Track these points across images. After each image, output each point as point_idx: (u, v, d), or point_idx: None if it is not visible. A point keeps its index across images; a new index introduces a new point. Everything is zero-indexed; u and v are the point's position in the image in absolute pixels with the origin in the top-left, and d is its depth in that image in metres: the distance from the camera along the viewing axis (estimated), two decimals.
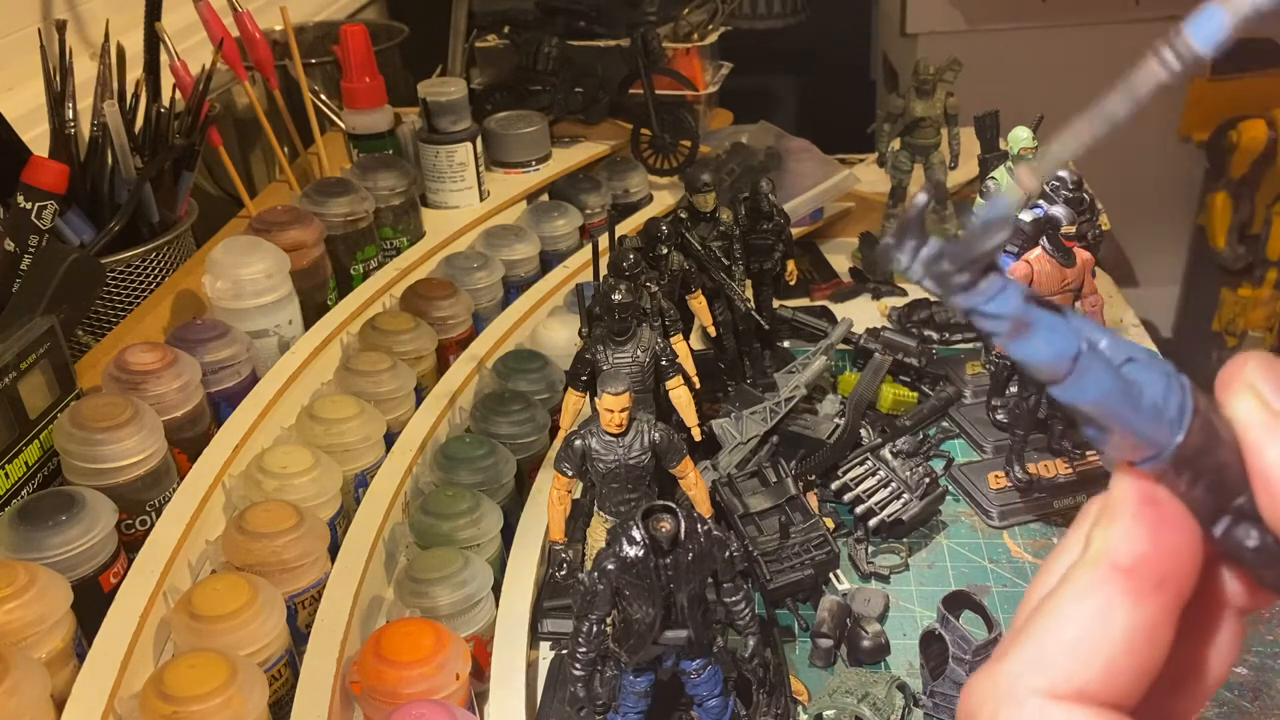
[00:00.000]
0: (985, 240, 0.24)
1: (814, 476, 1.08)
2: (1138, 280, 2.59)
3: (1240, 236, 2.41)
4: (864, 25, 2.74)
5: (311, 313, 1.16)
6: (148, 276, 1.22)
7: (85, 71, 1.24)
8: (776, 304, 1.31)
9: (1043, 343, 0.25)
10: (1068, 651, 0.25)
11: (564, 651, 0.84)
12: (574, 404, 0.95)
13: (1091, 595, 0.25)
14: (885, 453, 1.06)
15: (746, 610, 0.77)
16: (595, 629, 0.74)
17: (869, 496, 1.04)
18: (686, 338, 1.04)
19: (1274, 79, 2.36)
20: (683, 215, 1.15)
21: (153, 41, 1.31)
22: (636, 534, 0.70)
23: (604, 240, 1.05)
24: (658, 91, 1.49)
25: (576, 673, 0.76)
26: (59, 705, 0.71)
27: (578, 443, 0.84)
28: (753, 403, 1.10)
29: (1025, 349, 0.25)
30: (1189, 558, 0.26)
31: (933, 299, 1.39)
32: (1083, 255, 1.03)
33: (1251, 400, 0.25)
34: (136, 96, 1.27)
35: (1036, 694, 0.25)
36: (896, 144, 1.47)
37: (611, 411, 0.81)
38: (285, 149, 1.46)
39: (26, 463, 0.88)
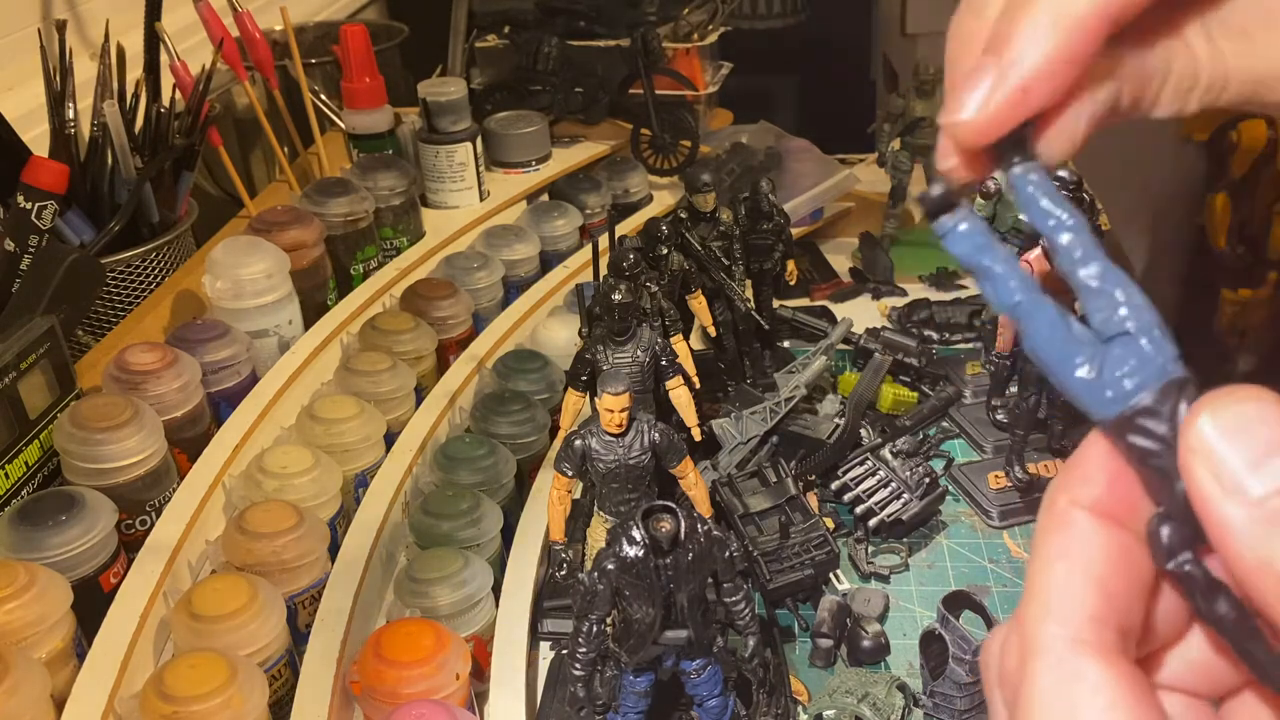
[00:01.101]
0: (934, 192, 0.27)
1: (814, 476, 1.08)
2: (1138, 280, 2.59)
3: (1240, 236, 2.41)
4: (864, 25, 2.74)
5: (311, 313, 1.17)
6: (148, 276, 1.22)
7: (85, 71, 1.24)
8: (776, 304, 1.31)
9: (989, 288, 0.27)
10: (1064, 586, 0.26)
11: (564, 651, 0.85)
12: (574, 404, 0.95)
13: (1063, 530, 0.26)
14: (885, 453, 1.06)
15: (746, 610, 0.77)
16: (595, 629, 0.74)
17: (869, 496, 1.04)
18: (686, 338, 1.04)
19: None
20: (683, 215, 1.15)
21: (153, 41, 1.31)
22: (636, 534, 0.70)
23: (604, 240, 1.05)
24: (658, 91, 1.49)
25: (576, 673, 0.76)
26: (59, 705, 0.71)
27: (578, 443, 0.84)
28: (753, 403, 1.09)
29: (981, 287, 0.27)
30: (1136, 505, 0.26)
31: (933, 299, 1.39)
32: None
33: (1199, 466, 0.24)
34: (136, 96, 1.27)
35: (1055, 639, 0.25)
36: (896, 144, 1.47)
37: (611, 411, 0.81)
38: (285, 149, 1.46)
39: (26, 463, 0.88)
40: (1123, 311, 0.25)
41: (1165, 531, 0.25)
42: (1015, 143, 0.28)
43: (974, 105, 0.28)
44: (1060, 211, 0.27)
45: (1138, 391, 0.25)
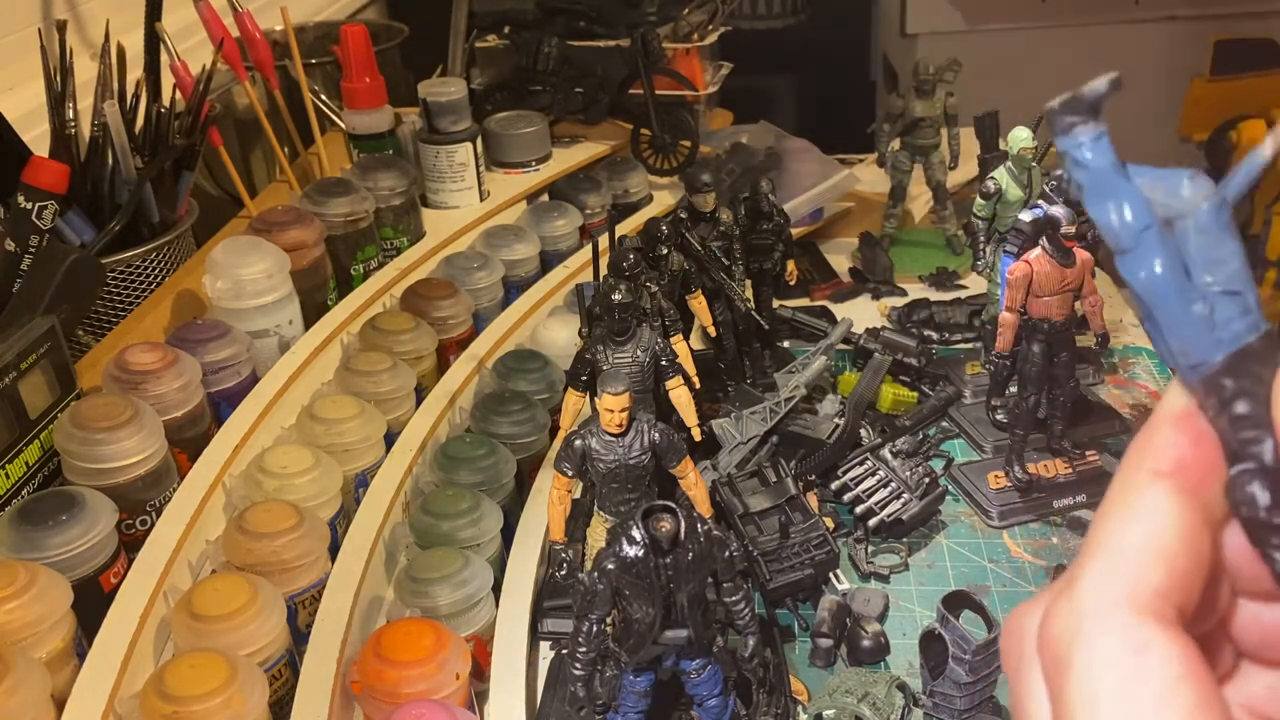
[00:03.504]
0: (1097, 90, 0.25)
1: (814, 476, 1.08)
2: None
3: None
4: (864, 25, 2.74)
5: (311, 313, 1.16)
6: (148, 276, 1.22)
7: (85, 71, 1.24)
8: (776, 304, 1.31)
9: (1113, 206, 0.26)
10: (1134, 556, 0.25)
11: (564, 651, 0.84)
12: (574, 404, 0.95)
13: (1139, 499, 0.26)
14: (885, 453, 1.06)
15: (746, 610, 0.77)
16: (595, 629, 0.74)
17: (869, 496, 1.04)
18: (686, 338, 1.04)
19: (1274, 79, 2.37)
20: (683, 215, 1.15)
21: (153, 41, 1.31)
22: (636, 534, 0.70)
23: (604, 240, 1.05)
24: (658, 91, 1.49)
25: (576, 672, 0.76)
26: (59, 705, 0.71)
27: (578, 443, 0.84)
28: (753, 403, 1.09)
29: (1097, 208, 0.26)
30: (1212, 472, 0.26)
31: (932, 299, 1.39)
32: (1082, 255, 1.03)
33: None
34: (137, 96, 1.27)
35: (1118, 607, 0.24)
36: (896, 144, 1.47)
37: (611, 411, 0.81)
38: (285, 149, 1.46)
39: (27, 463, 0.88)
40: (1233, 264, 0.25)
41: (1255, 484, 0.25)
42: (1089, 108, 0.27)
43: None
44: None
45: (1246, 336, 0.25)
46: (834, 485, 1.06)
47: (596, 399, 0.86)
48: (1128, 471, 0.26)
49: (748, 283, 1.22)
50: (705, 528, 0.73)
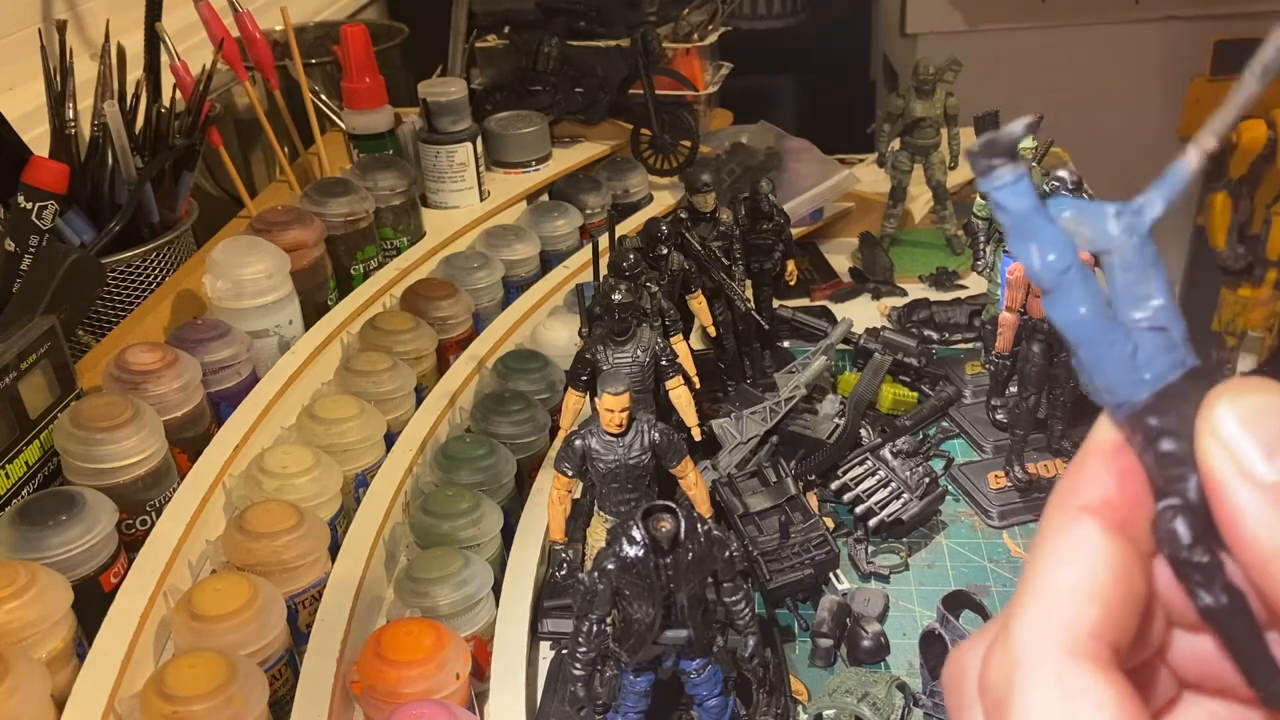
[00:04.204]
0: (1013, 134, 0.25)
1: (814, 476, 1.08)
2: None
3: (1240, 236, 2.40)
4: (864, 25, 2.74)
5: (311, 313, 1.17)
6: (148, 276, 1.22)
7: (85, 71, 1.24)
8: (776, 304, 1.31)
9: (1035, 248, 0.26)
10: (1067, 598, 0.25)
11: (564, 651, 0.84)
12: (574, 404, 0.95)
13: (1069, 538, 0.26)
14: (885, 453, 1.06)
15: (746, 610, 0.77)
16: (595, 629, 0.74)
17: (869, 496, 1.04)
18: (686, 338, 1.04)
19: (1274, 79, 2.36)
20: (683, 215, 1.15)
21: (153, 41, 1.31)
22: (636, 534, 0.70)
23: (604, 240, 1.05)
24: (658, 92, 1.49)
25: (576, 673, 0.76)
26: (59, 705, 0.71)
27: (578, 443, 0.84)
28: (753, 403, 1.10)
29: (1019, 250, 0.26)
30: (1143, 509, 0.26)
31: (932, 299, 1.39)
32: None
33: (1216, 450, 0.24)
34: (137, 97, 1.27)
35: (1052, 651, 0.25)
36: (896, 144, 1.47)
37: (611, 411, 0.81)
38: (285, 149, 1.46)
39: (27, 463, 0.88)
40: (1156, 300, 0.25)
41: (1177, 521, 0.25)
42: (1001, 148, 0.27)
43: None
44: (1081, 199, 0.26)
45: (1170, 373, 0.25)
46: (834, 485, 1.06)
47: (596, 399, 0.86)
48: (1057, 509, 0.26)
49: (748, 283, 1.22)
50: (705, 528, 0.73)
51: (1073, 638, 0.25)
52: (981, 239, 1.20)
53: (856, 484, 1.05)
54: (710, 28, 1.62)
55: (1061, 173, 1.01)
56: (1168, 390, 0.25)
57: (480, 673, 0.83)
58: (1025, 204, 0.26)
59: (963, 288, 1.45)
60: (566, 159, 1.55)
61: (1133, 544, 0.26)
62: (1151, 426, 0.25)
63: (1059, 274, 0.26)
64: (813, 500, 1.02)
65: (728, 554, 0.74)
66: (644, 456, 0.84)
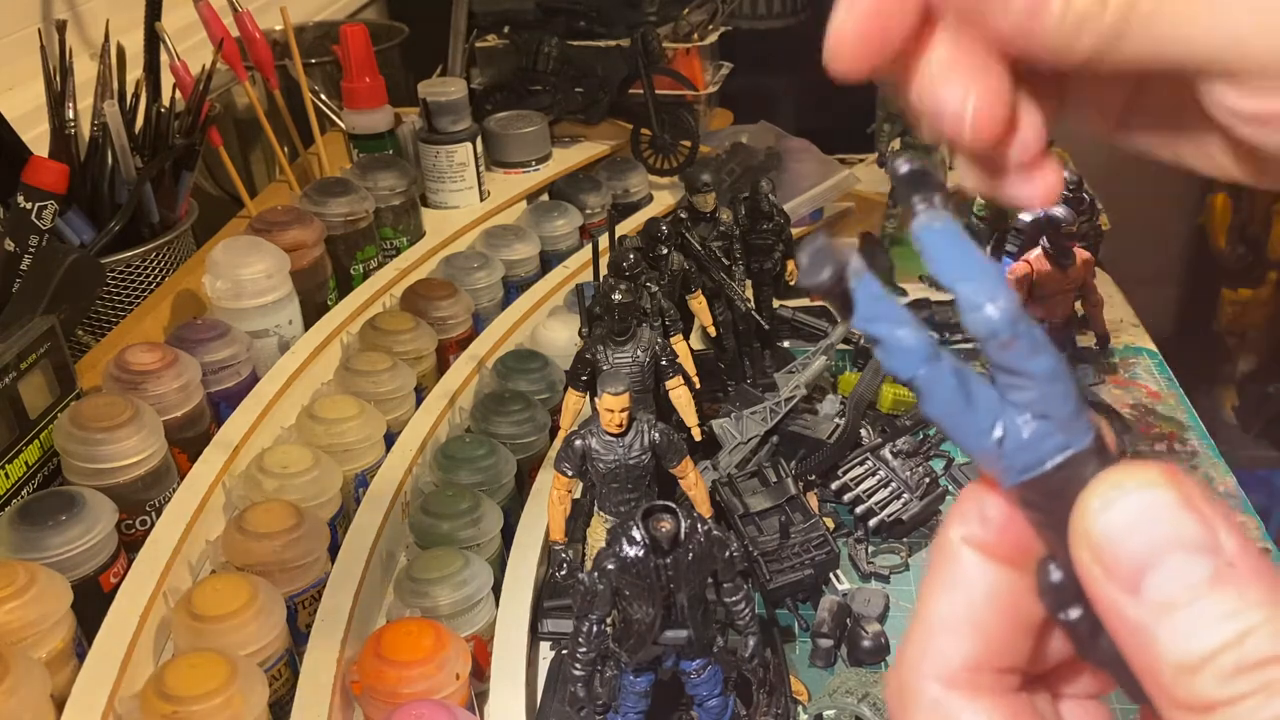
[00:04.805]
0: (849, 261, 0.25)
1: (814, 476, 1.08)
2: (1138, 280, 2.59)
3: (1240, 236, 2.41)
4: None
5: (311, 313, 1.16)
6: (148, 276, 1.22)
7: (85, 71, 1.24)
8: (776, 304, 1.31)
9: (884, 357, 0.25)
10: (946, 628, 0.26)
11: (564, 651, 0.84)
12: (574, 404, 0.95)
13: (951, 567, 0.26)
14: (885, 453, 1.06)
15: (746, 610, 0.77)
16: (595, 629, 0.74)
17: (869, 496, 1.04)
18: (686, 338, 1.04)
19: None
20: (683, 215, 1.15)
21: (153, 41, 1.31)
22: (636, 534, 0.70)
23: (604, 240, 1.05)
24: (658, 91, 1.49)
25: (576, 673, 0.76)
26: (59, 705, 0.71)
27: (578, 443, 0.84)
28: (753, 403, 1.09)
29: (876, 353, 0.25)
30: (1029, 548, 0.26)
31: (933, 299, 1.39)
32: (1083, 255, 1.03)
33: (1091, 564, 0.23)
34: (136, 96, 1.27)
35: (928, 681, 0.25)
36: (896, 144, 1.47)
37: (611, 411, 0.81)
38: (285, 149, 1.46)
39: (26, 463, 0.88)
40: (1030, 391, 0.24)
41: (1055, 580, 0.24)
42: (917, 181, 0.25)
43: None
44: (968, 258, 0.25)
45: (1042, 463, 0.24)
46: (834, 485, 1.06)
47: (596, 399, 0.86)
48: (943, 538, 0.27)
49: (748, 283, 1.22)
50: (705, 528, 0.73)
51: (949, 669, 0.25)
52: (981, 239, 1.20)
53: (857, 484, 1.05)
54: (710, 28, 1.62)
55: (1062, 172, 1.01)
56: (1045, 478, 0.24)
57: (480, 673, 0.83)
58: (870, 310, 0.25)
59: None
60: (566, 159, 1.55)
61: (1020, 567, 0.26)
62: (1027, 501, 0.25)
63: (915, 368, 0.25)
64: (813, 500, 1.02)
65: (728, 554, 0.74)
66: (644, 456, 0.84)
